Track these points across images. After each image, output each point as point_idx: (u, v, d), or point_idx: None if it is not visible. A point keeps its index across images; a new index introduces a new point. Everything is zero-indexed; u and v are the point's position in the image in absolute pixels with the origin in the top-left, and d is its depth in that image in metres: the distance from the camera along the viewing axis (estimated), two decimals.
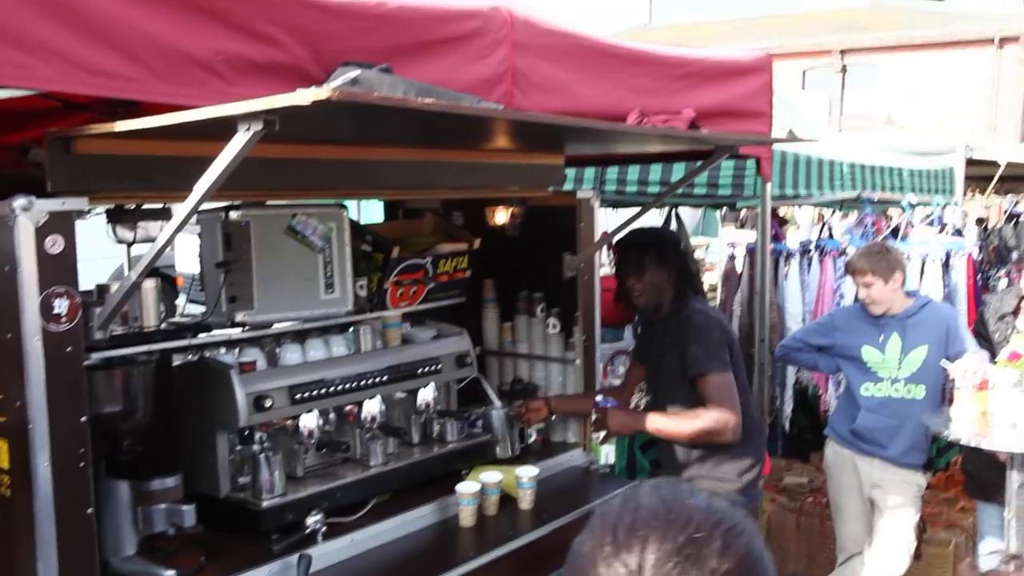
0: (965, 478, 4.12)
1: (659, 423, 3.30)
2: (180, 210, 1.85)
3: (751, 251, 4.52)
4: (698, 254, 9.14)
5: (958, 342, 3.72)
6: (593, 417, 3.38)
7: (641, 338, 3.76)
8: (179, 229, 1.88)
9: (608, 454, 3.51)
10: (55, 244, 2.00)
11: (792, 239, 8.96)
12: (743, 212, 10.52)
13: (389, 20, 2.39)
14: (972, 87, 24.34)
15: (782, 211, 7.89)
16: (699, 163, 3.58)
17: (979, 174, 9.13)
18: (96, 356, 2.52)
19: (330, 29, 2.25)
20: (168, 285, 3.22)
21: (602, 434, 3.37)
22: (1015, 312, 3.93)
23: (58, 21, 1.82)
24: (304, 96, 1.54)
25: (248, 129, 1.68)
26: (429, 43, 2.50)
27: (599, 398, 3.41)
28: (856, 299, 3.91)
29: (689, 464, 3.37)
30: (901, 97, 24.78)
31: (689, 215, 11.08)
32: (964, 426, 3.34)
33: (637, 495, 0.92)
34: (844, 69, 26.46)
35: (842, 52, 26.23)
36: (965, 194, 9.04)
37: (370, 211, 5.16)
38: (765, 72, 3.80)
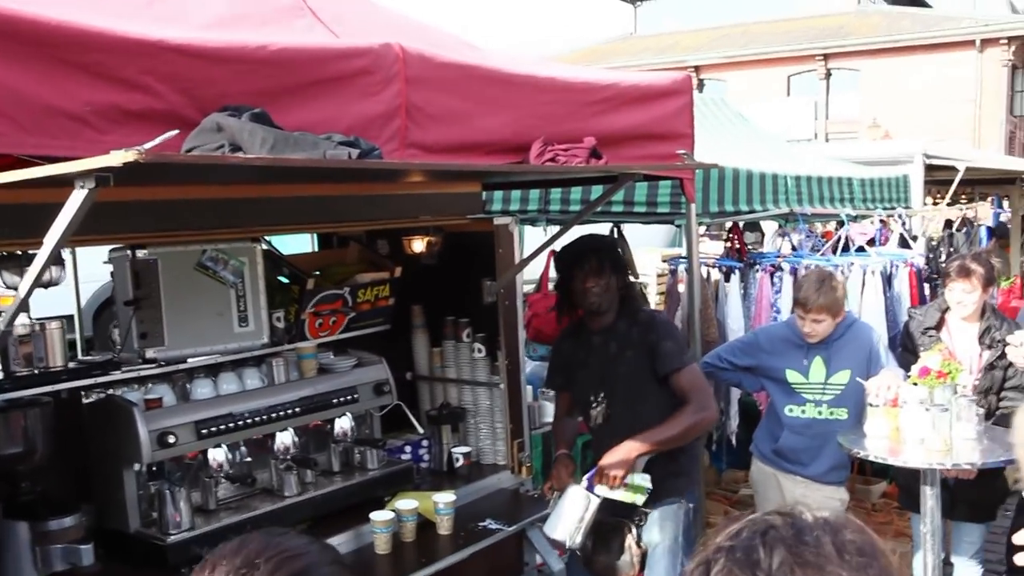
0: (899, 490, 4.16)
1: (652, 439, 3.21)
2: (34, 263, 1.90)
3: (688, 268, 4.55)
4: (666, 266, 9.14)
5: (879, 364, 3.75)
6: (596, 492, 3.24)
7: (562, 358, 3.60)
8: (36, 281, 1.92)
9: (644, 479, 3.25)
10: None
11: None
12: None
13: (271, 63, 2.42)
14: (954, 89, 24.42)
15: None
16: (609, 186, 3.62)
17: (945, 178, 9.19)
18: None
19: (207, 75, 2.29)
20: None
21: (616, 490, 3.21)
22: (938, 326, 3.97)
23: None
24: (116, 158, 1.59)
25: (83, 186, 1.73)
26: (314, 83, 2.54)
27: (585, 481, 3.24)
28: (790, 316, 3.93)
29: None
30: (885, 100, 24.86)
31: (666, 227, 11.14)
32: (876, 442, 3.38)
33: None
34: (828, 74, 26.55)
35: (826, 57, 26.33)
36: (933, 202, 9.10)
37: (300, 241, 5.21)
38: (685, 94, 3.83)
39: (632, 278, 5.61)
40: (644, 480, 3.24)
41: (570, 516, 3.22)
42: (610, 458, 3.18)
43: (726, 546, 0.95)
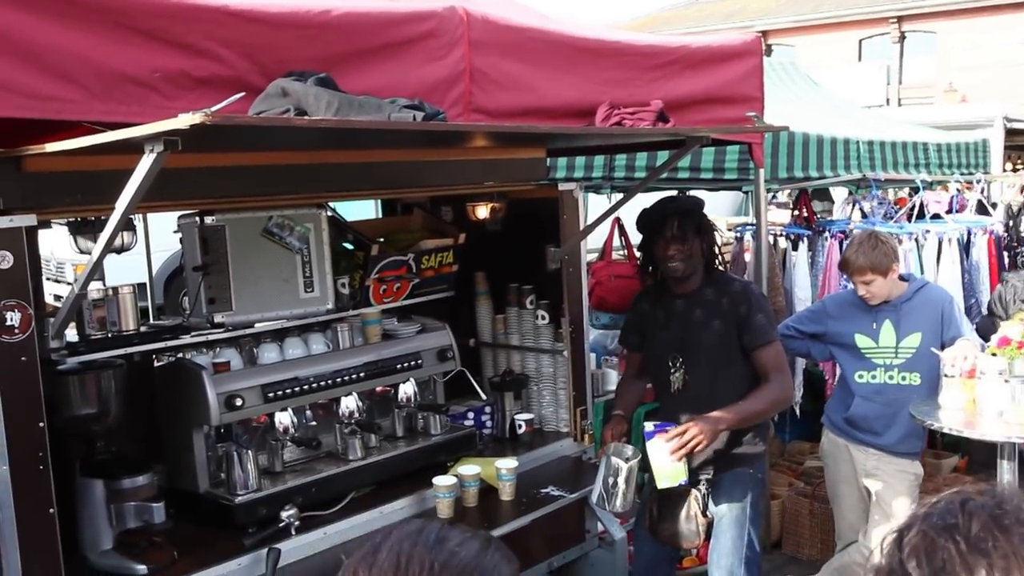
0: (968, 459, 4.05)
1: (736, 413, 3.15)
2: (106, 227, 1.93)
3: (755, 235, 4.46)
4: (731, 234, 9.01)
5: (953, 327, 3.63)
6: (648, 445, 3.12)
7: (639, 317, 3.53)
8: (108, 245, 1.96)
9: (685, 471, 3.14)
10: (4, 260, 2.10)
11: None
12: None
13: (333, 28, 2.42)
14: None
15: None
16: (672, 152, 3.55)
17: None
18: (72, 361, 2.65)
19: (270, 40, 2.30)
20: None
21: (668, 458, 3.08)
22: None
23: None
24: (183, 120, 1.60)
25: (152, 150, 1.74)
26: (378, 47, 2.53)
27: (648, 427, 3.17)
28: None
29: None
30: (963, 64, 23.94)
31: (732, 195, 10.93)
32: (952, 414, 3.28)
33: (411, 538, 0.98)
34: (902, 37, 25.66)
35: (899, 19, 25.43)
36: (1013, 168, 8.78)
37: (364, 208, 5.26)
38: (754, 56, 3.74)
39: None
40: (685, 471, 3.12)
41: (600, 479, 3.17)
42: (698, 424, 3.06)
43: (922, 514, 0.94)
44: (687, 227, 3.28)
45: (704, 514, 3.29)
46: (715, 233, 3.39)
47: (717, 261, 3.44)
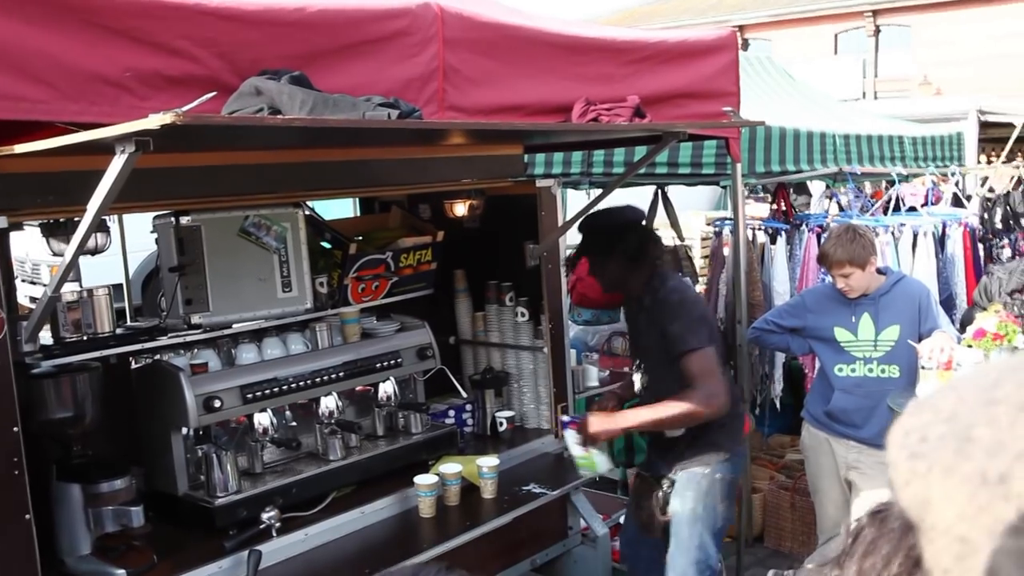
0: None
1: (640, 417, 3.22)
2: (78, 229, 1.91)
3: (733, 230, 4.47)
4: (710, 229, 9.02)
5: (930, 319, 3.65)
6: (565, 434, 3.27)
7: (627, 319, 3.64)
8: (81, 247, 1.94)
9: (601, 462, 3.28)
10: None
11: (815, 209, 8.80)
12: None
13: (307, 25, 2.41)
14: (1014, 43, 23.58)
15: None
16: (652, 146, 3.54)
17: (1001, 136, 8.90)
18: (47, 364, 2.62)
19: (244, 39, 2.28)
20: None
21: (578, 448, 3.21)
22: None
23: None
24: (154, 121, 1.58)
25: (123, 151, 1.72)
26: (352, 45, 2.52)
27: (564, 418, 3.33)
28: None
29: (676, 447, 3.29)
30: (938, 57, 24.13)
31: (711, 190, 10.96)
32: None
33: None
34: (877, 31, 25.84)
35: (875, 13, 25.59)
36: (987, 160, 8.85)
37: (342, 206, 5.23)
38: (730, 50, 3.75)
39: (678, 240, 5.54)
40: (601, 462, 3.26)
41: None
42: (600, 421, 3.19)
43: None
44: (588, 248, 3.32)
45: (663, 512, 3.28)
46: (647, 239, 3.30)
47: (658, 269, 3.32)
